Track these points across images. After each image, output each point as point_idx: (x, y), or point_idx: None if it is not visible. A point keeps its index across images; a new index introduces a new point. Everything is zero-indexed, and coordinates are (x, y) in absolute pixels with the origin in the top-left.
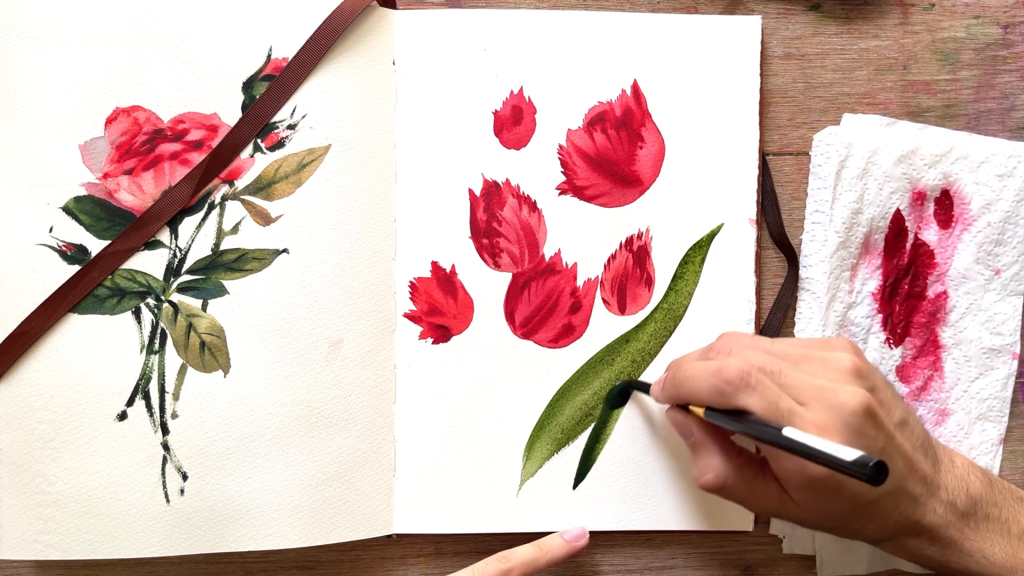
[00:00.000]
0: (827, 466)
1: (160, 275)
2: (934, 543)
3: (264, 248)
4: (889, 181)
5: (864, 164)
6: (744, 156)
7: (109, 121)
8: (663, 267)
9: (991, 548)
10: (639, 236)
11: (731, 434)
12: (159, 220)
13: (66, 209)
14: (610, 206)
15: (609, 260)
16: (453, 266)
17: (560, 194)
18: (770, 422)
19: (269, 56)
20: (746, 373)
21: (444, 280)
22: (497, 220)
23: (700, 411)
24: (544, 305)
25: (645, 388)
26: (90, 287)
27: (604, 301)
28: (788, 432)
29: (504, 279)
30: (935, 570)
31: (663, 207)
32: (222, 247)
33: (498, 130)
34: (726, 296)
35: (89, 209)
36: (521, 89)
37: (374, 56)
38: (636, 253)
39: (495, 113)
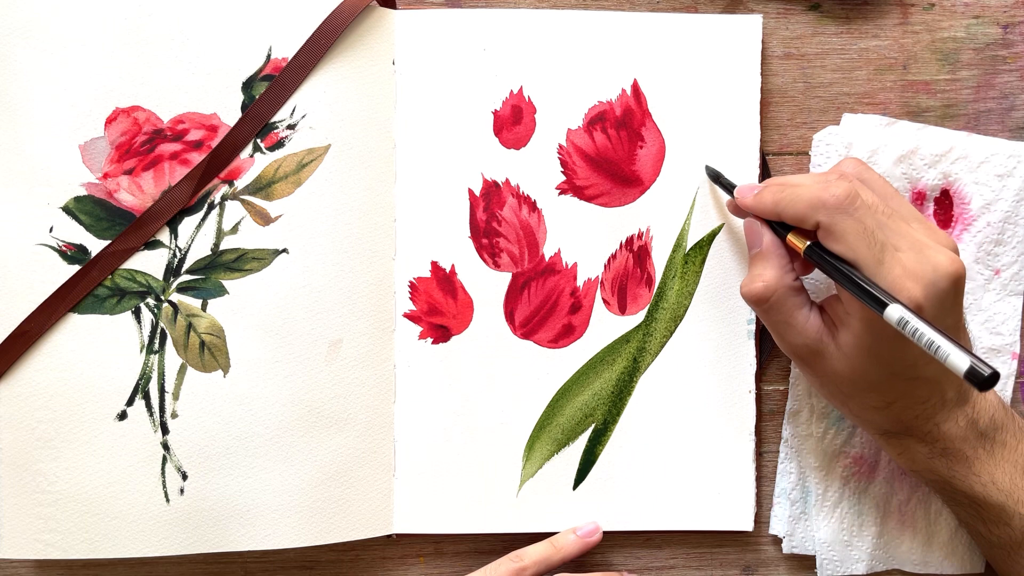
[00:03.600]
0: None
1: (160, 275)
2: (944, 455)
3: (264, 248)
4: (889, 181)
5: None
6: (744, 156)
7: (109, 121)
8: (663, 267)
9: (1001, 474)
10: (639, 236)
11: (796, 259)
12: (159, 220)
13: (66, 209)
14: (610, 206)
15: (609, 260)
16: (453, 266)
17: (560, 194)
18: (876, 288)
19: (269, 56)
20: (852, 196)
21: (444, 280)
22: (497, 220)
23: (802, 245)
24: (544, 305)
25: (730, 188)
26: (90, 287)
27: (604, 301)
28: (896, 310)
29: (504, 279)
30: (934, 485)
31: (664, 207)
32: (222, 247)
33: (498, 130)
34: (726, 296)
35: (89, 209)
36: (521, 89)
37: (374, 56)
38: (636, 253)
39: (495, 113)
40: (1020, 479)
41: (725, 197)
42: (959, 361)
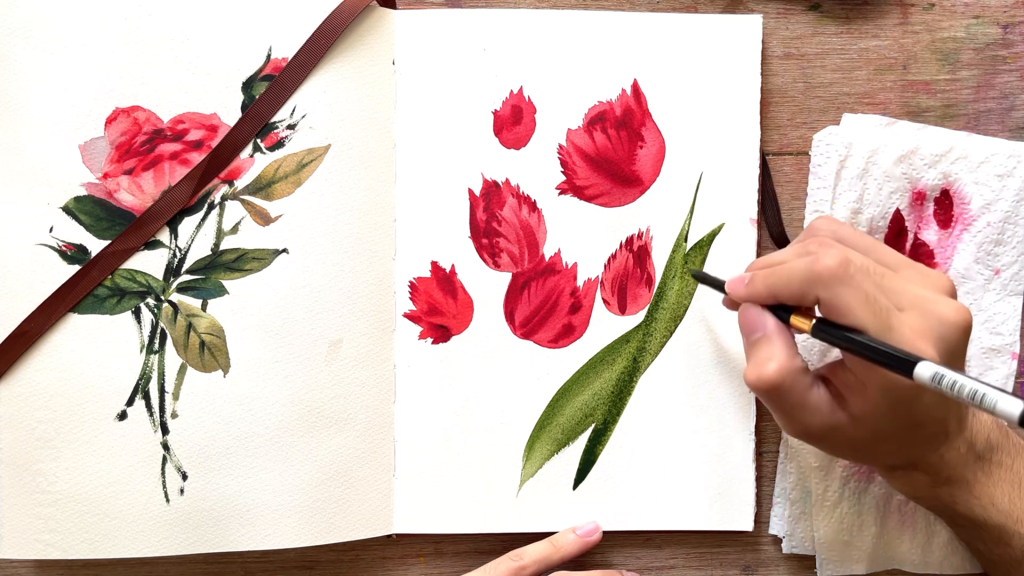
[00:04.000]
0: (976, 406)
1: (160, 275)
2: (948, 483)
3: (264, 248)
4: (889, 181)
5: (864, 164)
6: (744, 156)
7: (109, 121)
8: (663, 267)
9: (1000, 495)
10: (639, 236)
11: (796, 334)
12: (159, 220)
13: (66, 209)
14: (610, 206)
15: (609, 260)
16: (453, 266)
17: (560, 194)
18: (898, 351)
19: (269, 56)
20: (844, 264)
21: (444, 280)
22: (497, 220)
23: (807, 325)
24: (544, 305)
25: (719, 284)
26: (90, 287)
27: (604, 301)
28: (927, 367)
29: (504, 279)
30: (937, 511)
31: (663, 207)
32: (222, 247)
33: (498, 130)
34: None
35: (89, 209)
36: (521, 89)
37: (374, 56)
38: (636, 253)
39: (495, 113)
40: (1018, 499)
41: (722, 208)
42: (1011, 407)
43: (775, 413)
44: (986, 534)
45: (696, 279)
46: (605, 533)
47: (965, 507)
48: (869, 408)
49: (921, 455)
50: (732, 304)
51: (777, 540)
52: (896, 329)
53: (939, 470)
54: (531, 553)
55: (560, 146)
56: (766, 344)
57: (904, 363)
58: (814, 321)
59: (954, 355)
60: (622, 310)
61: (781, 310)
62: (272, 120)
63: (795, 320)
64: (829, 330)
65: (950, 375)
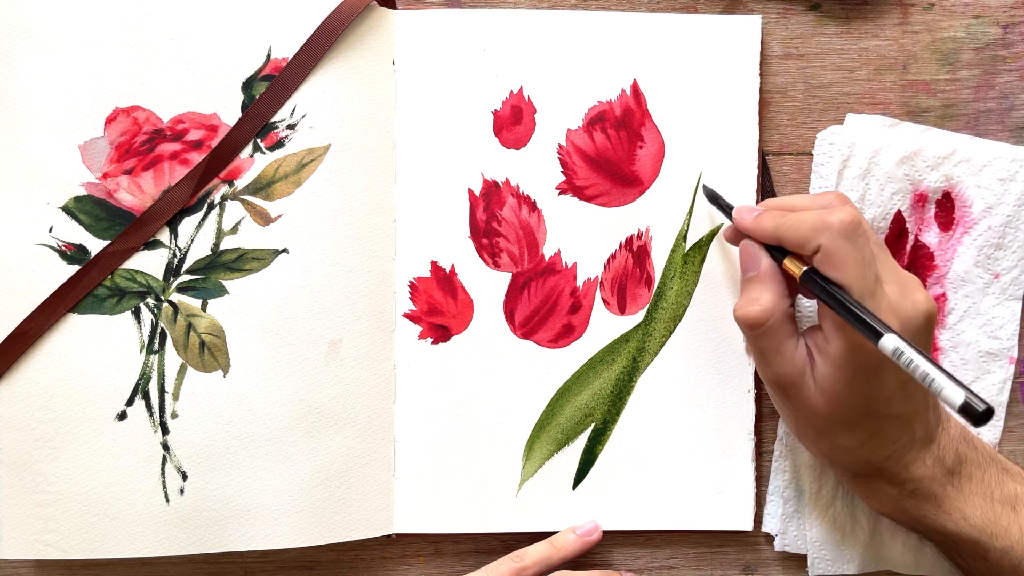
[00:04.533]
0: (934, 391)
1: (160, 275)
2: (913, 496)
3: (264, 248)
4: (891, 182)
5: (867, 164)
6: (744, 156)
7: (109, 121)
8: (662, 267)
9: (971, 509)
10: (639, 236)
11: (795, 291)
12: (159, 220)
13: (66, 209)
14: (610, 206)
15: (609, 260)
16: (453, 266)
17: (560, 194)
18: (872, 317)
19: (269, 56)
20: (856, 222)
21: (444, 280)
22: (497, 220)
23: (798, 270)
24: (544, 305)
25: (728, 209)
26: (90, 287)
27: (604, 301)
28: (892, 339)
29: (504, 279)
30: (906, 525)
31: (663, 207)
32: (222, 247)
33: (498, 130)
34: (725, 295)
35: (89, 209)
36: (521, 89)
37: (374, 56)
38: (636, 253)
39: (495, 113)
40: (991, 511)
41: (721, 217)
42: (954, 395)
43: (754, 353)
44: (961, 548)
45: (707, 198)
46: (605, 533)
47: (935, 522)
48: (830, 372)
49: (885, 462)
50: (732, 237)
51: None
52: (876, 298)
53: (904, 482)
54: (532, 554)
55: (560, 146)
56: (757, 283)
57: (873, 330)
58: (805, 268)
59: (915, 340)
60: (622, 310)
61: (777, 251)
62: (272, 120)
63: (788, 263)
64: (817, 279)
65: (909, 352)
